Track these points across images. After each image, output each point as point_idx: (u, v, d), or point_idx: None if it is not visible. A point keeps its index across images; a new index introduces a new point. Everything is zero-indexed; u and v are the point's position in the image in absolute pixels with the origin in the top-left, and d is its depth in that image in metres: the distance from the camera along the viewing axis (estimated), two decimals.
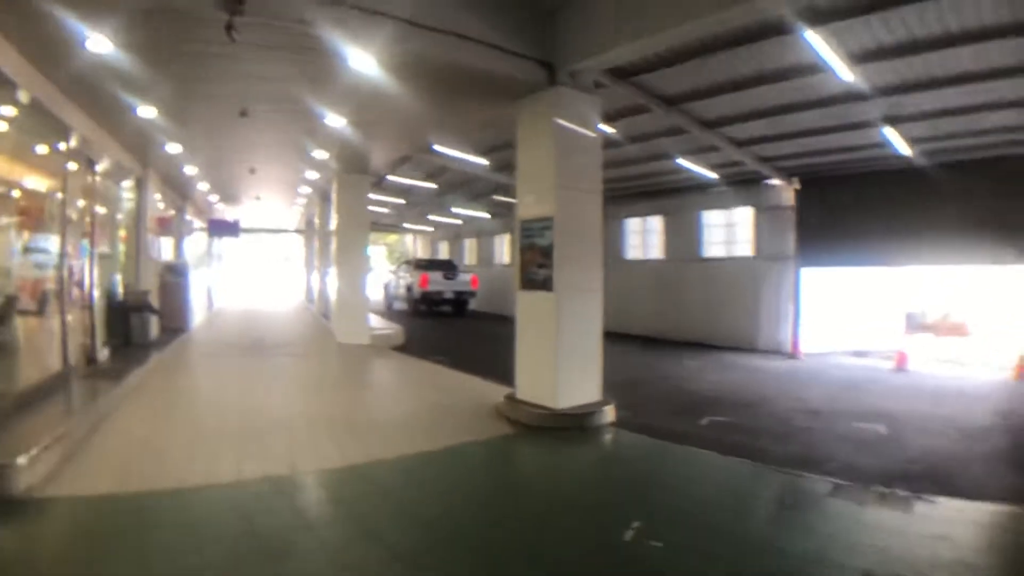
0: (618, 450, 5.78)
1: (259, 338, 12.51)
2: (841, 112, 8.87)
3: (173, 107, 7.57)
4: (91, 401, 6.48)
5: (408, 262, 23.96)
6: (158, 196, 13.38)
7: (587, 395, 6.54)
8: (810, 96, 8.44)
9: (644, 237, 17.05)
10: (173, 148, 9.96)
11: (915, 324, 13.65)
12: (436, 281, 20.76)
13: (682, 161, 12.43)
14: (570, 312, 6.33)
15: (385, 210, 23.94)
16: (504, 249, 23.37)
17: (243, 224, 24.90)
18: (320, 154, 10.28)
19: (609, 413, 6.45)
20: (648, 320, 15.88)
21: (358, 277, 12.11)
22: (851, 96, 8.14)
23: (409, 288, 21.78)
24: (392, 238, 53.12)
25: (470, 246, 26.85)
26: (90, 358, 8.70)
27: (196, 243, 23.07)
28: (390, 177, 16.12)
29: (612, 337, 7.49)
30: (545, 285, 6.26)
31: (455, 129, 9.37)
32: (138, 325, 10.63)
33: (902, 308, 13.70)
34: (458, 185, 17.04)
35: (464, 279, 21.34)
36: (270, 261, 43.54)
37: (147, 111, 7.59)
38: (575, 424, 6.20)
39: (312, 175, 12.54)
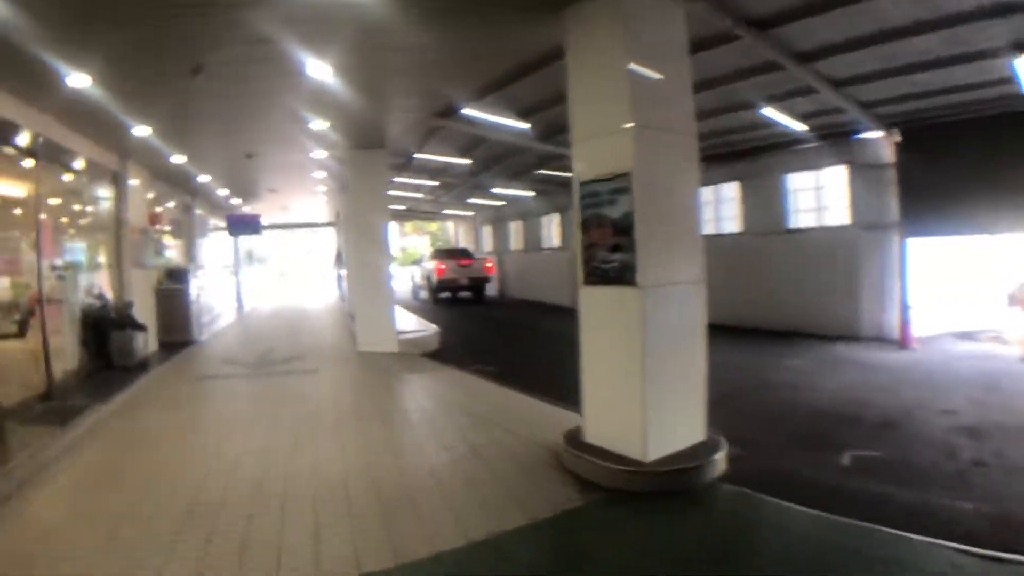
0: (750, 536, 3.72)
1: (269, 350, 10.85)
2: (963, 35, 6.65)
3: (116, 72, 5.83)
4: (10, 460, 4.81)
5: (435, 252, 24.55)
6: (150, 195, 11.88)
7: (688, 436, 4.53)
8: (929, 13, 6.25)
9: (716, 208, 14.76)
10: (141, 131, 8.29)
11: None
12: (451, 269, 21.29)
13: (768, 111, 10.16)
14: (663, 316, 4.30)
15: (419, 195, 22.19)
16: (553, 231, 21.30)
17: (267, 220, 23.73)
18: (319, 124, 8.44)
19: (721, 461, 4.43)
20: (724, 305, 13.52)
21: (379, 271, 10.29)
22: (978, 13, 5.95)
23: (427, 277, 22.37)
24: (433, 226, 51.92)
25: (515, 229, 24.87)
26: (45, 393, 7.13)
27: (218, 243, 21.92)
28: (418, 155, 14.27)
29: None
30: (622, 277, 4.25)
31: (480, 74, 7.37)
32: (120, 344, 9.07)
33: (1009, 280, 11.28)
34: (496, 160, 15.05)
35: (478, 266, 21.77)
36: (307, 257, 42.72)
37: (82, 80, 5.90)
38: (675, 485, 4.18)
39: (321, 155, 10.74)
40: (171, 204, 15.00)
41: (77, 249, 9.02)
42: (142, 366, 9.22)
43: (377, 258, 10.28)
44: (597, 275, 4.41)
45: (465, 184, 18.99)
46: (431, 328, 11.81)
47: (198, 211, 16.66)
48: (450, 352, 10.61)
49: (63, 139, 8.03)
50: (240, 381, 8.33)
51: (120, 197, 10.08)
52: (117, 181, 10.02)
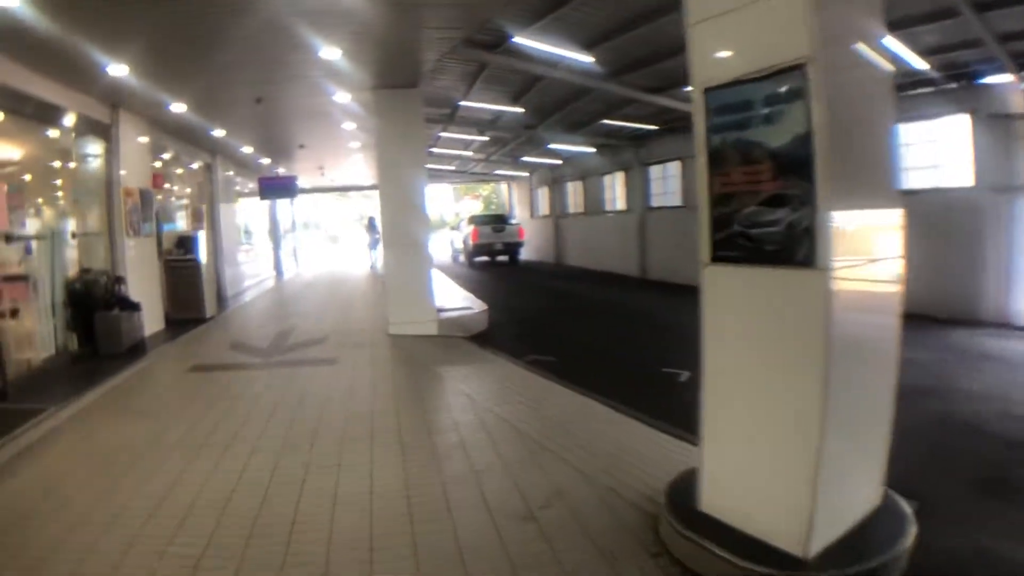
0: None
1: (289, 330, 9.42)
2: None
3: None
4: None
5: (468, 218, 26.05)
6: (165, 155, 10.54)
7: (864, 500, 2.77)
8: None
9: None
10: (117, 70, 6.81)
11: None
12: (485, 234, 22.61)
13: (889, 40, 8.01)
14: (856, 319, 2.50)
15: (468, 152, 20.49)
16: (617, 191, 19.24)
17: (305, 183, 22.48)
18: (331, 53, 6.76)
19: (910, 539, 2.66)
20: None
21: (415, 238, 8.65)
22: None
23: (464, 242, 23.82)
24: (487, 188, 50.25)
25: (573, 191, 22.88)
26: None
27: (257, 208, 20.81)
28: (464, 103, 12.51)
29: None
30: (790, 251, 2.42)
31: None
32: (105, 327, 7.75)
33: None
34: (553, 108, 13.16)
35: (512, 231, 23.12)
36: (358, 222, 41.87)
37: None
38: None
39: (344, 98, 9.09)
40: (194, 165, 13.74)
41: (55, 215, 7.70)
42: (133, 352, 7.89)
43: (413, 222, 8.64)
44: (740, 247, 2.60)
45: (518, 139, 17.17)
46: (477, 305, 10.17)
47: (226, 172, 15.35)
48: (500, 335, 8.96)
49: (26, 84, 6.62)
50: (239, 375, 6.88)
51: (111, 154, 8.69)
52: (107, 135, 8.62)
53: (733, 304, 2.72)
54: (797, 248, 2.38)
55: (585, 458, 3.97)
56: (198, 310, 10.79)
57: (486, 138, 16.96)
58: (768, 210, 2.45)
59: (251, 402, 5.78)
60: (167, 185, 12.26)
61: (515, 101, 12.26)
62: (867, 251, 2.58)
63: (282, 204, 22.93)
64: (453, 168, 26.33)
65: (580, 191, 21.99)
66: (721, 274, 2.72)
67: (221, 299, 13.66)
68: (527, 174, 27.19)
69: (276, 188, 18.27)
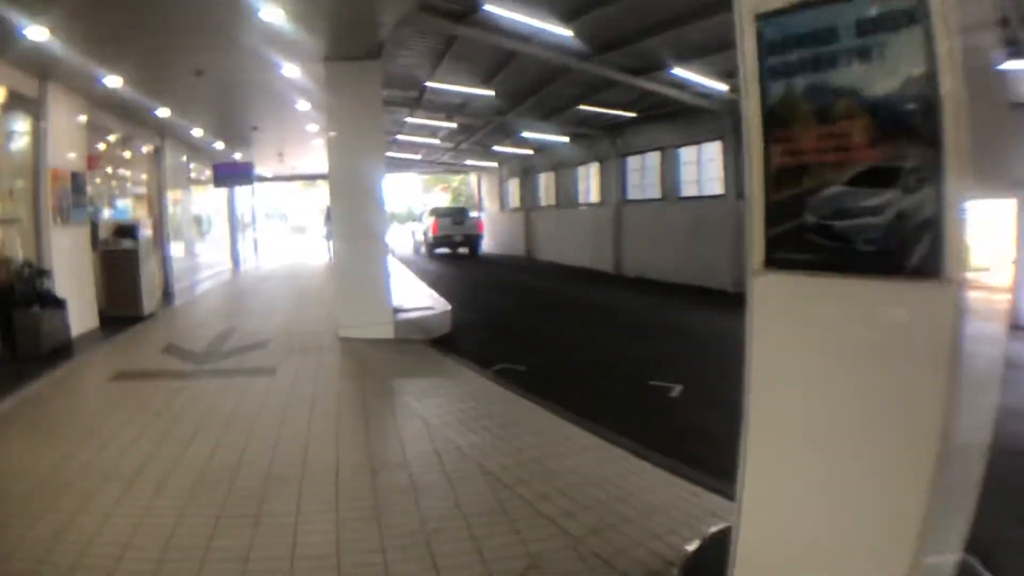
0: None
1: (230, 331, 8.44)
2: None
3: None
4: None
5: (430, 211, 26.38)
6: (114, 135, 9.47)
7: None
8: None
9: None
10: (35, 33, 5.79)
11: None
12: (445, 226, 23.45)
13: None
14: (986, 352, 1.72)
15: (435, 140, 19.56)
16: (591, 183, 18.46)
17: (265, 171, 21.37)
18: (272, 14, 5.82)
19: None
20: None
21: (370, 230, 7.73)
22: None
23: (425, 233, 24.55)
24: (457, 179, 49.25)
25: (545, 182, 22.07)
26: None
27: (211, 198, 19.63)
28: (431, 84, 11.58)
29: None
30: (897, 254, 1.63)
31: None
32: (25, 326, 6.75)
33: None
34: (527, 91, 12.32)
35: (471, 223, 24.23)
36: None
37: None
38: None
39: (293, 71, 8.11)
40: (144, 149, 12.60)
41: None
42: (56, 355, 6.85)
43: (367, 212, 7.72)
44: (814, 246, 1.76)
45: (489, 126, 16.30)
46: (439, 304, 9.30)
47: (177, 158, 14.19)
48: (465, 338, 8.13)
49: None
50: (165, 386, 5.91)
51: (39, 132, 7.62)
52: (34, 111, 7.55)
53: (800, 328, 1.89)
54: (912, 249, 1.57)
55: (569, 510, 3.14)
56: (136, 306, 9.73)
57: (454, 125, 16.06)
58: (864, 192, 1.63)
59: (172, 421, 4.84)
60: (110, 169, 11.16)
61: (486, 83, 11.38)
62: (989, 254, 1.79)
63: (243, 193, 21.79)
64: (420, 157, 25.34)
65: (552, 183, 21.21)
66: (782, 285, 1.88)
67: (168, 294, 12.67)
68: (497, 165, 26.32)
69: (232, 175, 17.14)
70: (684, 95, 11.66)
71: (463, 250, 23.70)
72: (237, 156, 17.83)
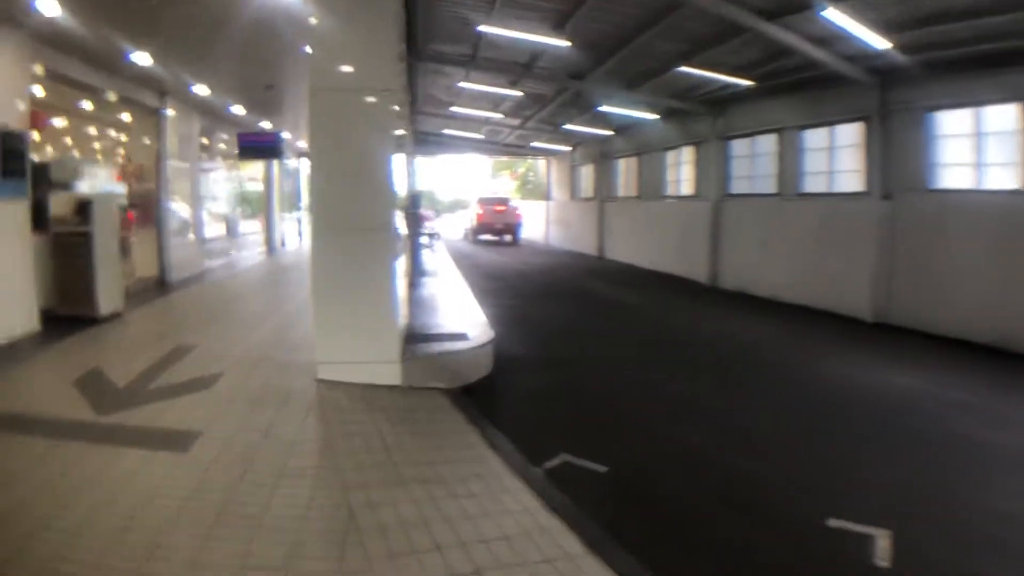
0: None
1: (183, 351, 6.13)
2: None
3: None
4: None
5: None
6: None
7: None
8: None
9: (975, 145, 8.85)
10: None
11: None
12: (488, 214, 26.17)
13: None
14: None
15: (499, 116, 17.16)
16: (683, 172, 15.57)
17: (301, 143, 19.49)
18: None
19: None
20: (996, 308, 7.99)
21: (368, 220, 5.31)
22: None
23: (471, 221, 27.49)
24: (526, 166, 46.83)
25: (625, 169, 19.28)
26: None
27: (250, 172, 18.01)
28: (487, 29, 9.13)
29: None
30: None
31: None
32: None
33: None
34: (612, 45, 9.72)
35: (510, 213, 26.61)
36: None
37: None
38: None
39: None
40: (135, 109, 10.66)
41: None
42: None
43: (365, 192, 5.29)
44: None
45: (561, 96, 13.71)
46: (478, 329, 6.76)
47: (187, 122, 12.22)
48: (510, 389, 5.66)
49: None
50: (36, 447, 3.70)
51: None
52: None
53: None
54: None
55: None
56: (90, 305, 7.70)
57: (519, 94, 13.57)
58: None
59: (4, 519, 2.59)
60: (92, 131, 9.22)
61: (558, 28, 8.83)
62: None
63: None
64: (482, 137, 23.01)
65: (634, 170, 18.38)
66: None
67: (165, 282, 10.78)
68: (569, 148, 23.69)
69: (257, 147, 15.15)
70: (825, 55, 8.83)
71: (507, 237, 26.55)
72: (266, 125, 15.88)
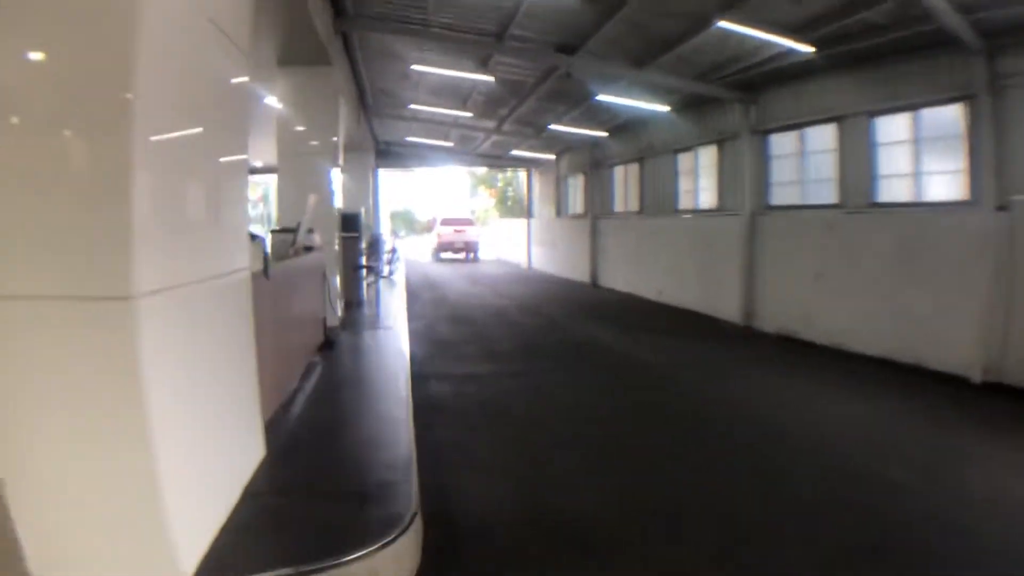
0: None
1: None
2: None
3: None
4: None
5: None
6: None
7: None
8: None
9: None
10: None
11: None
12: (449, 234, 28.74)
13: None
14: None
15: (467, 114, 14.39)
16: (704, 179, 12.66)
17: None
18: None
19: None
20: None
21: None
22: None
23: (434, 241, 29.87)
24: (503, 179, 44.37)
25: (624, 179, 16.40)
26: None
27: None
28: None
29: None
30: None
31: None
32: None
33: None
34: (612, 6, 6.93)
35: (471, 233, 29.35)
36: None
37: None
38: None
39: None
40: None
41: None
42: None
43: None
44: None
45: (547, 82, 10.89)
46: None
47: None
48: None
49: None
50: None
51: None
52: None
53: None
54: None
55: None
56: None
57: (490, 78, 10.71)
58: None
59: None
60: None
61: None
62: None
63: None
64: (451, 145, 20.21)
65: (635, 179, 15.49)
66: None
67: None
68: (553, 157, 20.89)
69: None
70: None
71: (465, 255, 28.93)
72: None
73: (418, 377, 6.42)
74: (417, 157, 23.23)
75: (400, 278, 15.22)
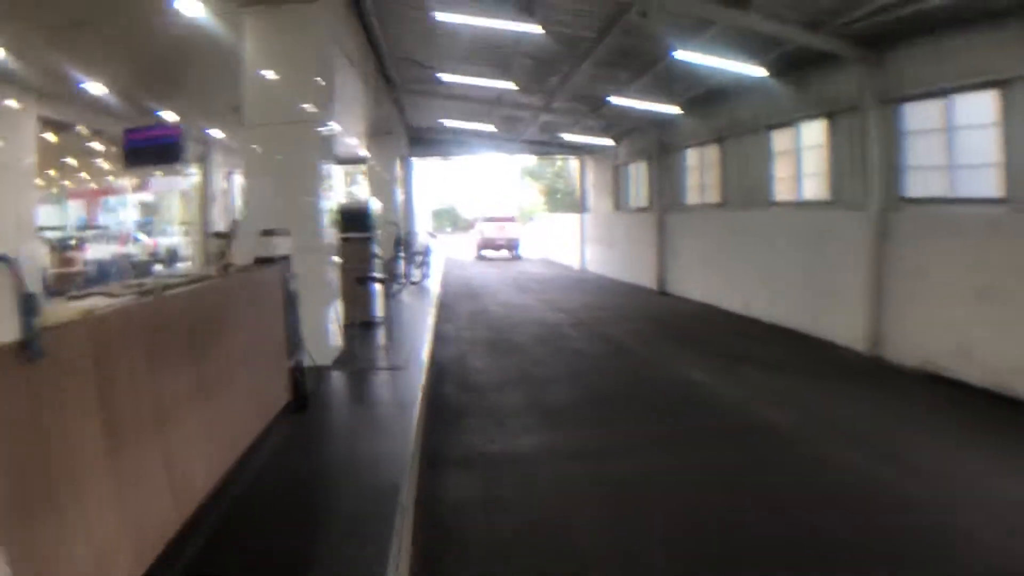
0: None
1: None
2: None
3: None
4: None
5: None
6: None
7: None
8: None
9: None
10: None
11: None
12: (491, 231, 30.72)
13: None
14: None
15: (510, 85, 12.32)
16: (807, 162, 10.09)
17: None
18: None
19: None
20: None
21: None
22: None
23: (476, 238, 31.59)
24: (553, 169, 42.56)
25: (699, 163, 13.97)
26: None
27: None
28: None
29: None
30: None
31: None
32: None
33: None
34: None
35: (511, 229, 30.97)
36: None
37: None
38: None
39: None
40: None
41: None
42: None
43: None
44: None
45: (608, 36, 8.71)
46: None
47: None
48: None
49: None
50: None
51: None
52: None
53: None
54: None
55: None
56: None
57: (538, 29, 8.52)
58: None
59: None
60: None
61: None
62: None
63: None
64: (493, 129, 18.13)
65: (715, 164, 13.07)
66: None
67: None
68: (611, 142, 18.58)
69: (145, 151, 10.20)
70: None
71: (508, 252, 30.15)
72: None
73: (431, 462, 4.41)
74: (456, 144, 21.29)
75: (434, 284, 13.27)
